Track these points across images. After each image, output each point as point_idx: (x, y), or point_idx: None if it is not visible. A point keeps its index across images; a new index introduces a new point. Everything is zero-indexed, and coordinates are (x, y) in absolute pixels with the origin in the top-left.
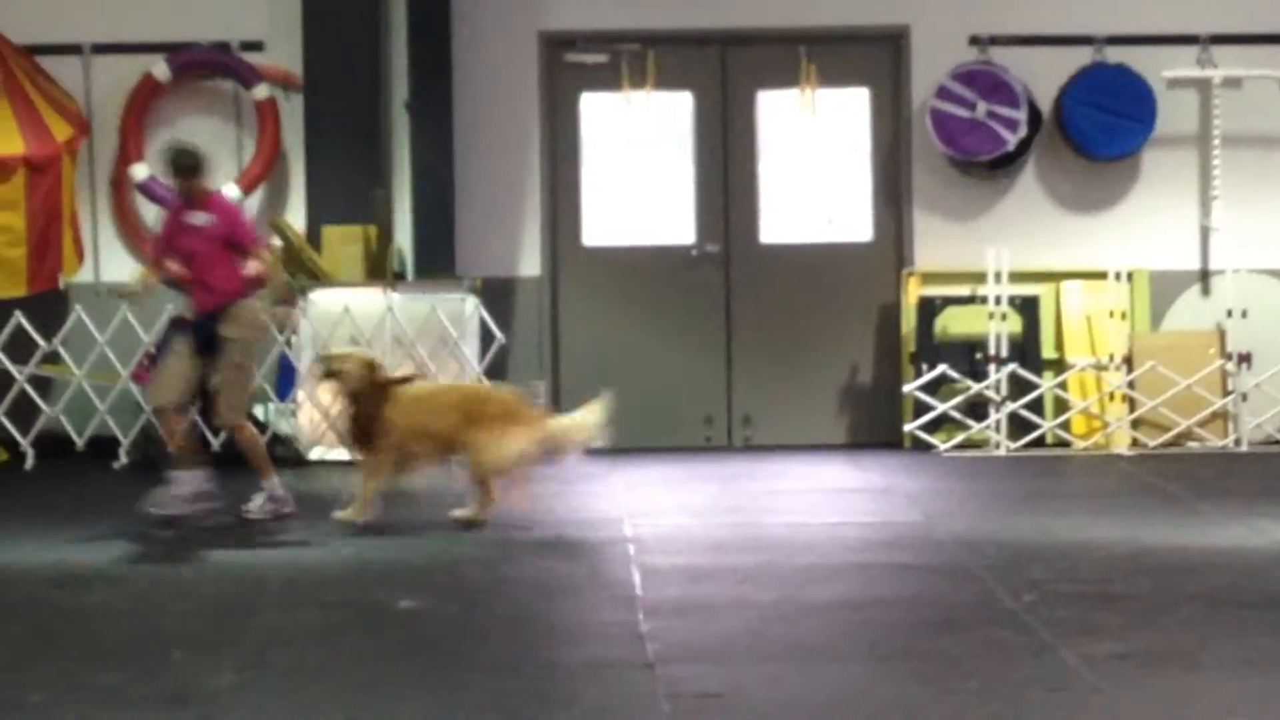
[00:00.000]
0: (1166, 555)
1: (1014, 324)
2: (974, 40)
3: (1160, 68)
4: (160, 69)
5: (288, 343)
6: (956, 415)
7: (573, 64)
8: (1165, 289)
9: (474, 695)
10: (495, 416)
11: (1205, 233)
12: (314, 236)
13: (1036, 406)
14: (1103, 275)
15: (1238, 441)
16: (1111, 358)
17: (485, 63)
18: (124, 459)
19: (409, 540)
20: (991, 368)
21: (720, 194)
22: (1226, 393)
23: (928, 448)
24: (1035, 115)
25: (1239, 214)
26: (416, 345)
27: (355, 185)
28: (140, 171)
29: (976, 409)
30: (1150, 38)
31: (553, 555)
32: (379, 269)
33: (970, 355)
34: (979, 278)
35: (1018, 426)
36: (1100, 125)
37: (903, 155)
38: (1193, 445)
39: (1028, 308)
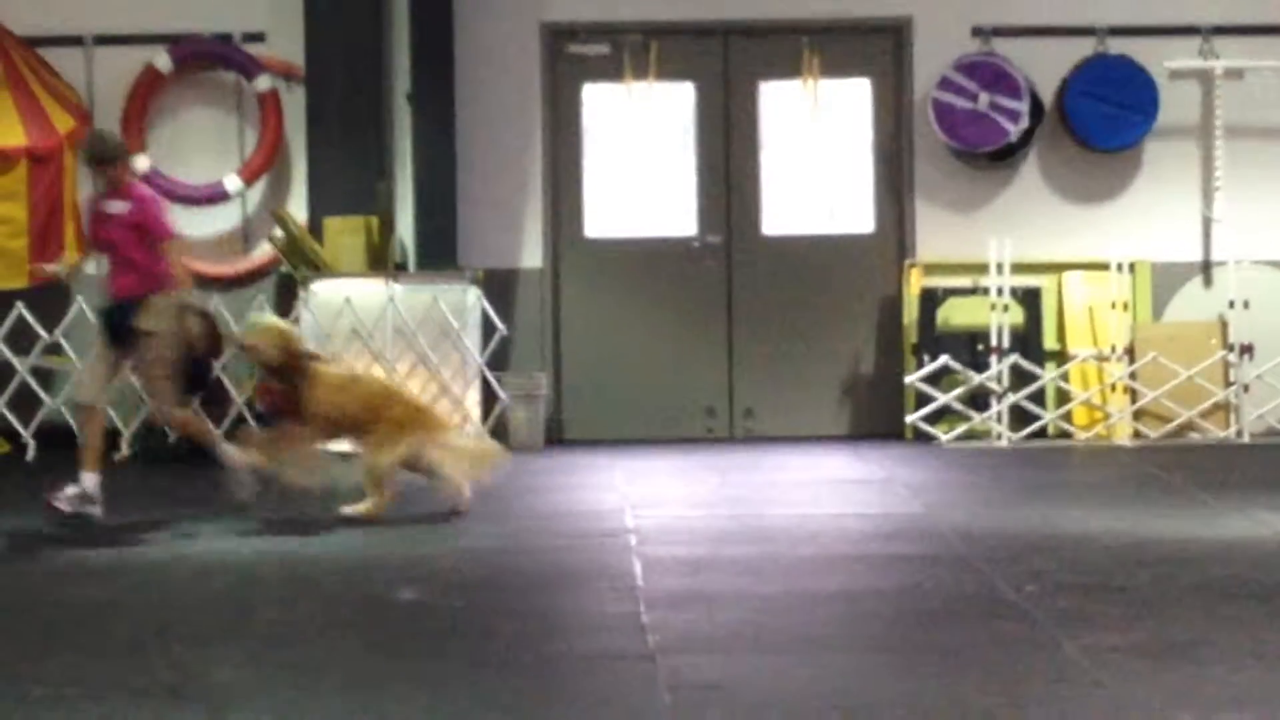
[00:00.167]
0: (1168, 547)
1: (1016, 315)
2: (976, 31)
3: (1162, 59)
4: (162, 60)
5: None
6: (958, 407)
7: (575, 55)
8: (1167, 280)
9: (475, 687)
10: (395, 419)
11: (1207, 224)
12: (315, 227)
13: (1038, 398)
14: (1105, 266)
15: (1239, 433)
16: (1113, 349)
17: (487, 54)
18: (125, 450)
19: (409, 533)
20: (993, 359)
21: (722, 185)
22: (1228, 384)
23: (929, 439)
24: (1037, 106)
25: (1241, 205)
26: (418, 336)
27: (357, 176)
28: (142, 163)
29: (978, 400)
30: (1152, 29)
31: (554, 547)
32: (380, 260)
33: (972, 346)
34: (981, 269)
35: (1019, 418)
36: (1102, 116)
37: (905, 146)
38: (1194, 437)
39: (1029, 299)
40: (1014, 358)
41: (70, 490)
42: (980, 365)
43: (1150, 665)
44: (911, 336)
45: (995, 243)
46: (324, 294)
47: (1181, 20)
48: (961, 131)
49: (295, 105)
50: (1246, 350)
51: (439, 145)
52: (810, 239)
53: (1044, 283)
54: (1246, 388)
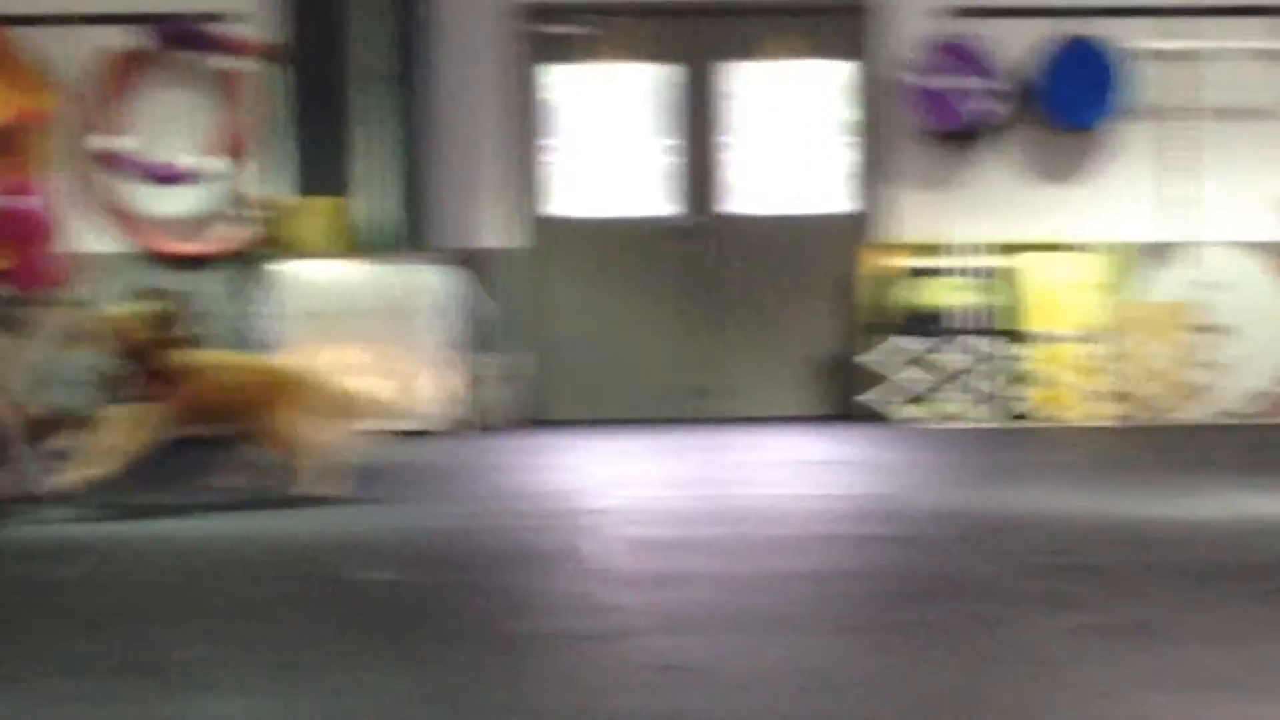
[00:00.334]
0: (1138, 527)
1: (988, 295)
2: (946, 11)
3: (1133, 39)
4: (134, 40)
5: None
6: (927, 388)
7: (545, 35)
8: (1138, 260)
9: (444, 666)
10: (289, 398)
11: (1180, 204)
12: (289, 208)
13: (1007, 378)
14: (1074, 246)
15: (1212, 413)
16: (1085, 329)
17: (459, 34)
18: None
19: (378, 512)
20: (965, 339)
21: (693, 166)
22: (1201, 365)
23: (898, 420)
24: (1010, 87)
25: (1214, 185)
26: (389, 317)
27: (329, 157)
28: (115, 143)
29: (947, 381)
30: (1122, 9)
31: (523, 527)
32: (352, 241)
33: (943, 327)
34: (953, 249)
35: (989, 399)
36: (1074, 97)
37: (876, 127)
38: (1164, 417)
39: (1001, 279)
40: (986, 338)
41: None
42: (952, 346)
43: (1122, 646)
44: (880, 317)
45: (967, 223)
46: (294, 275)
47: (1151, 1)
48: (933, 112)
49: (268, 87)
50: (1216, 331)
51: (411, 126)
52: (781, 220)
53: (1016, 263)
54: (1220, 368)
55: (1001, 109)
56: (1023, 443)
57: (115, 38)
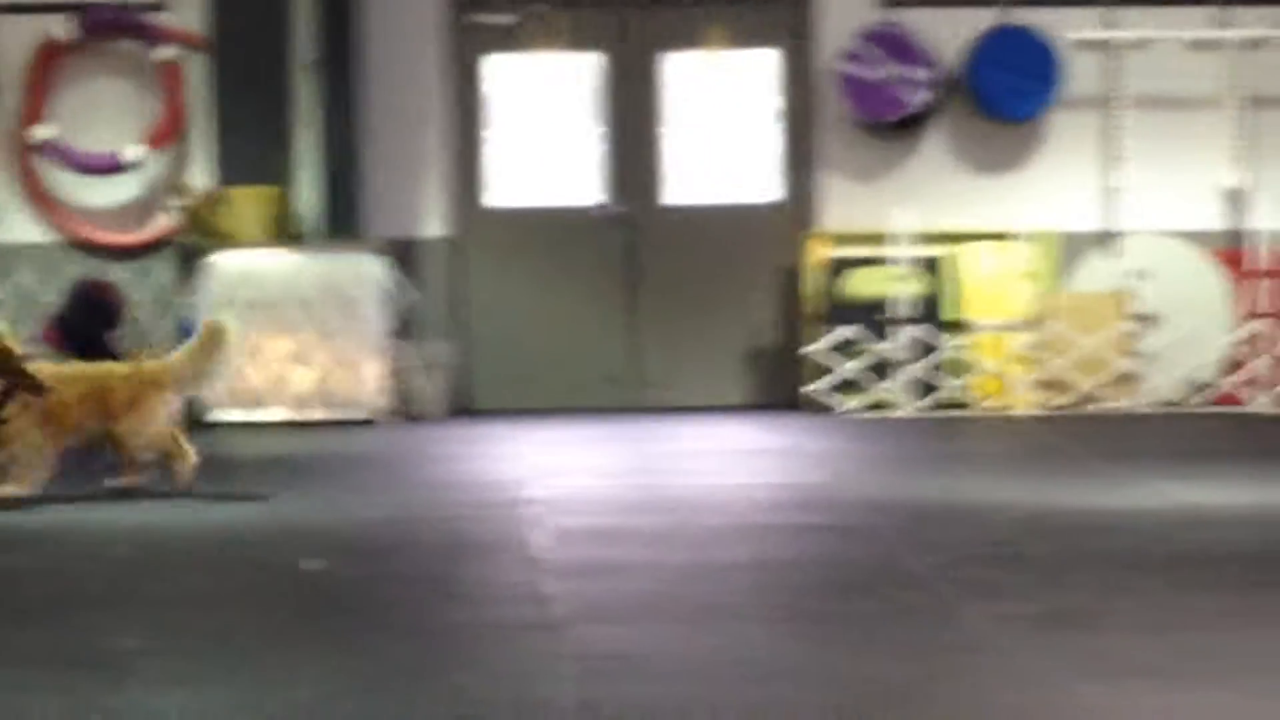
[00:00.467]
0: (1070, 516)
1: (919, 285)
2: (880, 1)
3: (1066, 29)
4: (63, 29)
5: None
6: (861, 377)
7: (478, 25)
8: (1070, 250)
9: (379, 656)
10: (124, 399)
11: (1111, 194)
12: (219, 198)
13: (941, 368)
14: (1009, 236)
15: (1141, 403)
16: (1017, 319)
17: (390, 23)
18: None
19: (315, 502)
20: (896, 329)
21: (626, 155)
22: (1131, 354)
23: (832, 409)
24: (942, 77)
25: (1145, 175)
26: (321, 307)
27: (260, 146)
28: (43, 132)
29: (881, 370)
30: None
31: (458, 516)
32: (284, 230)
33: (875, 316)
34: (885, 239)
35: (922, 388)
36: (1006, 87)
37: (809, 116)
38: (1097, 407)
39: (933, 269)
40: (917, 328)
41: None
42: (883, 335)
43: (1054, 635)
44: (813, 306)
45: (899, 213)
46: (225, 264)
47: None
48: (865, 101)
49: (198, 74)
50: (1150, 320)
51: (342, 115)
52: (714, 209)
53: (947, 252)
54: (1149, 358)
55: (934, 99)
56: (957, 432)
57: (45, 26)
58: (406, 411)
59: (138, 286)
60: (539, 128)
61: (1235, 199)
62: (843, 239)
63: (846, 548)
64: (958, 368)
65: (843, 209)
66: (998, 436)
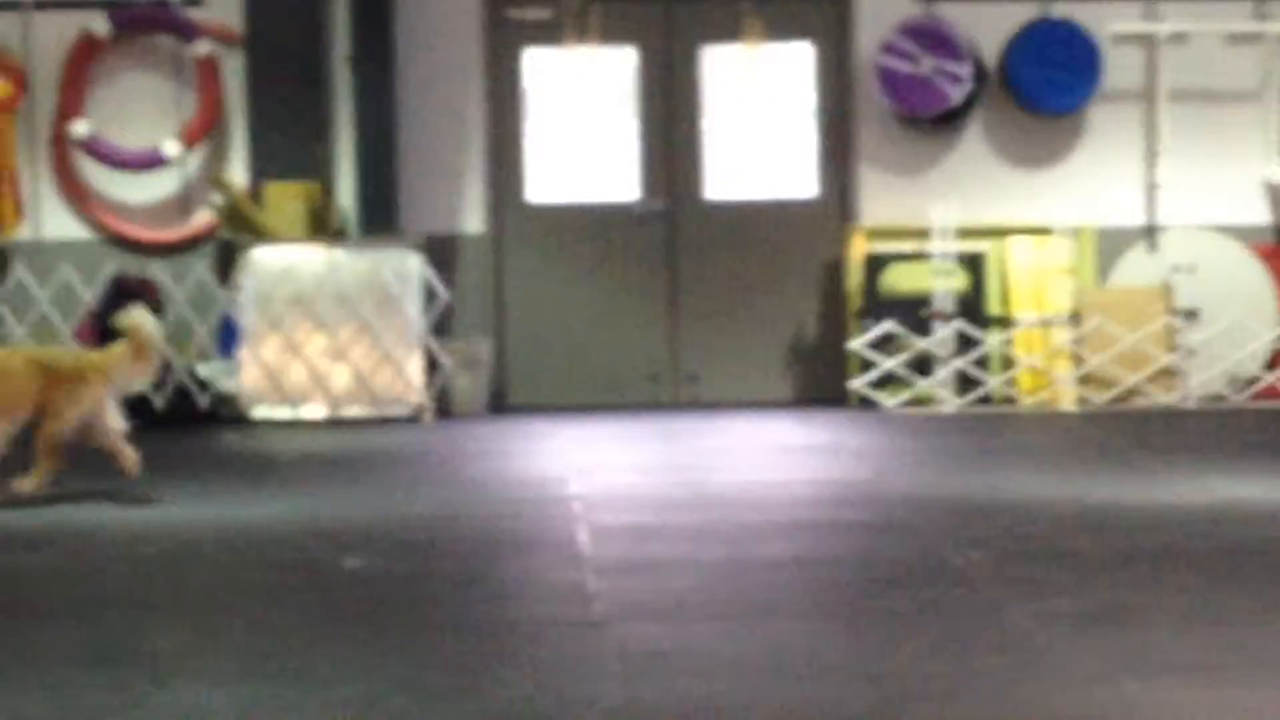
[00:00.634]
0: (1113, 512)
1: (960, 280)
2: None
3: (1106, 22)
4: (100, 25)
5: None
6: (903, 372)
7: (517, 19)
8: (1111, 245)
9: (420, 655)
10: (59, 383)
11: (1152, 188)
12: (256, 193)
13: (983, 363)
14: (1049, 231)
15: (1184, 398)
16: (1058, 314)
17: (428, 17)
18: None
19: (351, 499)
20: (938, 324)
21: (665, 150)
22: (1173, 349)
23: (874, 405)
24: (980, 70)
25: (1185, 169)
26: (360, 304)
27: (298, 142)
28: (80, 129)
29: (923, 366)
30: None
31: (498, 514)
32: (322, 226)
33: (916, 312)
34: (925, 234)
35: (964, 384)
36: (1046, 80)
37: (848, 111)
38: (1139, 402)
39: (974, 264)
40: (958, 323)
41: None
42: (925, 331)
43: (1097, 631)
44: (855, 302)
45: (939, 207)
46: (264, 261)
47: None
48: (904, 96)
49: (235, 70)
50: (1191, 315)
51: (380, 110)
52: (753, 204)
53: (988, 248)
54: (1192, 353)
55: (974, 92)
56: (998, 427)
57: (82, 22)
58: (445, 408)
59: (176, 283)
60: (578, 122)
61: (1276, 193)
62: (883, 234)
63: (888, 544)
64: (1000, 363)
65: (883, 204)
66: (1040, 432)
